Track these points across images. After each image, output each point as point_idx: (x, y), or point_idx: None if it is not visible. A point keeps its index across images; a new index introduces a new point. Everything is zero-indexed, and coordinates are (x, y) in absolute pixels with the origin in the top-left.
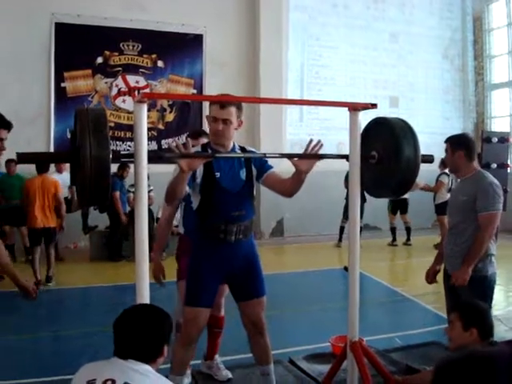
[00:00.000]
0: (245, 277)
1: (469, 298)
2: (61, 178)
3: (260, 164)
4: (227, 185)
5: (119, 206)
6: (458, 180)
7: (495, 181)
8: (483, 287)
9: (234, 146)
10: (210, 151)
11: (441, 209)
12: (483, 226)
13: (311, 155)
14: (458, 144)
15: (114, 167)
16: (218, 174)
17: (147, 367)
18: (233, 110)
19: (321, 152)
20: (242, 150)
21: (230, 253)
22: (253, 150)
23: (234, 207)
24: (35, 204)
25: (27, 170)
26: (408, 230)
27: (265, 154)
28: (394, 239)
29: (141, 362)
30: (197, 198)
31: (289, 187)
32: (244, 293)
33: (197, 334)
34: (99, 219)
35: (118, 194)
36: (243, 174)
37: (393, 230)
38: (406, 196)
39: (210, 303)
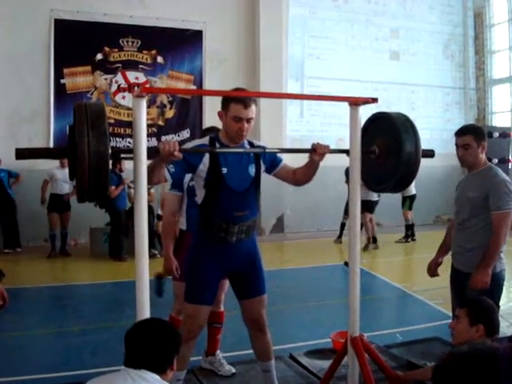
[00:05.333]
0: (246, 275)
1: (475, 295)
2: (62, 173)
3: (271, 157)
4: (233, 183)
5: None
6: (466, 173)
7: (507, 178)
8: (491, 284)
9: (244, 141)
10: (217, 145)
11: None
12: (497, 225)
13: (312, 150)
14: (482, 136)
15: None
16: (224, 170)
17: (156, 376)
18: (254, 107)
19: None
20: (251, 144)
21: (230, 251)
22: (261, 144)
23: (237, 207)
24: None
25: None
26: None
27: (264, 148)
28: (413, 234)
29: (152, 372)
30: (201, 192)
31: (302, 177)
32: (245, 291)
33: (197, 331)
34: (100, 216)
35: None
36: (252, 169)
37: (411, 227)
38: (414, 192)
39: (211, 300)
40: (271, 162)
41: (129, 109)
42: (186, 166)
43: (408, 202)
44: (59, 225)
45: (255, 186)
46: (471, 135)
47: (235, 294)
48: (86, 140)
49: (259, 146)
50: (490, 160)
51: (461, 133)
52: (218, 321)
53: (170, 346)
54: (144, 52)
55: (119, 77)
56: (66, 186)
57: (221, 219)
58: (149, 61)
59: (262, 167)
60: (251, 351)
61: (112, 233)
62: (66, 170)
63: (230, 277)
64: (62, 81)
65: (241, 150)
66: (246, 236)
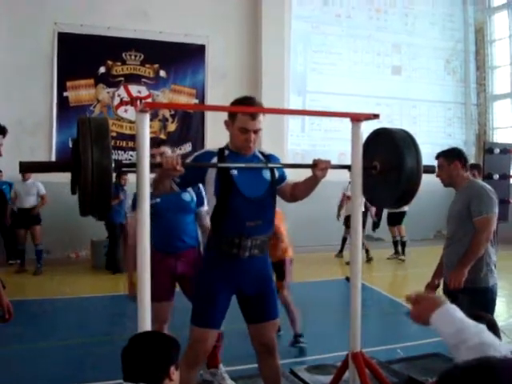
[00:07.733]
0: (257, 298)
1: (468, 307)
2: (23, 187)
3: (281, 171)
4: (245, 188)
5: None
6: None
7: (487, 185)
8: (485, 300)
9: (254, 150)
10: (227, 152)
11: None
12: (479, 228)
13: (313, 165)
14: (452, 155)
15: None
16: (234, 172)
17: None
18: (262, 117)
19: None
20: (261, 154)
21: (242, 267)
22: (273, 154)
23: (249, 216)
24: None
25: None
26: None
27: (267, 163)
28: (397, 252)
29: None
30: (212, 201)
31: (301, 192)
32: (256, 315)
33: (203, 357)
34: (101, 229)
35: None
36: (267, 173)
37: (396, 244)
38: (406, 208)
39: (220, 324)
40: (281, 174)
41: (131, 122)
42: (191, 175)
43: (404, 217)
44: (26, 239)
45: (271, 193)
46: (442, 157)
47: (244, 318)
48: (90, 154)
49: (272, 157)
50: (490, 176)
51: (436, 157)
52: (216, 339)
53: (162, 356)
54: (147, 66)
55: (122, 90)
56: (30, 199)
57: (232, 233)
58: (151, 74)
59: (276, 174)
60: (253, 365)
61: (109, 245)
62: (28, 182)
63: (240, 298)
64: (65, 93)
65: (242, 166)
66: (260, 252)
